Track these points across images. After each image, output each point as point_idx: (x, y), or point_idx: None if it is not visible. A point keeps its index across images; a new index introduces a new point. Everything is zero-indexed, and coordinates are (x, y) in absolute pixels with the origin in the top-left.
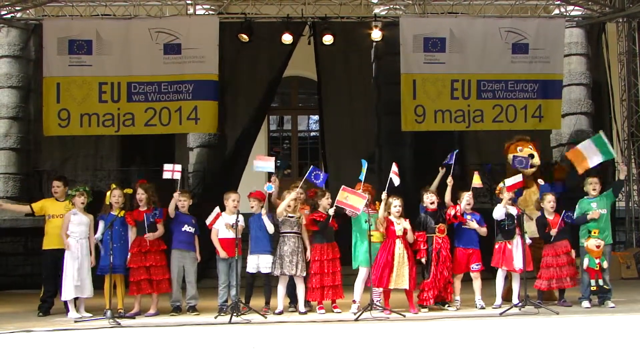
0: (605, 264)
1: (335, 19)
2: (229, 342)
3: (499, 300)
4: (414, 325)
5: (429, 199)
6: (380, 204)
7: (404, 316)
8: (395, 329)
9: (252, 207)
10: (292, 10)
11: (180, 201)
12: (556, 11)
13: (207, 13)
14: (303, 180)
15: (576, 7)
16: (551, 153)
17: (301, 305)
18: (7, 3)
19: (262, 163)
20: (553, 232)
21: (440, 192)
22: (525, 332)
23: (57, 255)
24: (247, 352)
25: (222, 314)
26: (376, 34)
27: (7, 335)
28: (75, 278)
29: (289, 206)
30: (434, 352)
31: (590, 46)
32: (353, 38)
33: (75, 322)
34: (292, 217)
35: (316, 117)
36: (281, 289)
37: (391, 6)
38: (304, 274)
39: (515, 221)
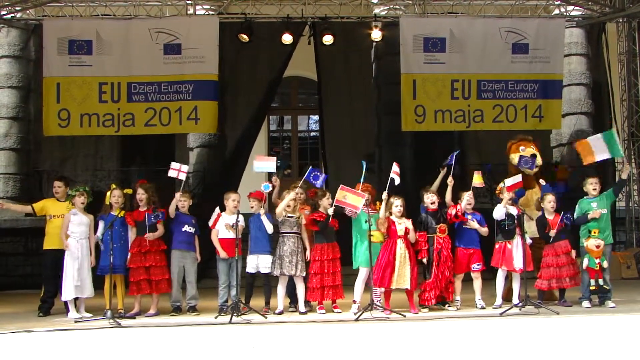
0: (605, 264)
1: (335, 19)
2: (229, 342)
3: (499, 300)
4: (414, 325)
5: (430, 199)
6: (380, 204)
7: (404, 316)
8: (395, 329)
9: (252, 207)
10: (292, 10)
11: (180, 201)
12: (556, 11)
13: (207, 13)
14: (302, 180)
15: (576, 7)
16: (551, 153)
17: (301, 305)
18: (7, 3)
19: (262, 163)
20: (552, 232)
21: (440, 192)
22: (526, 332)
23: (58, 256)
24: (247, 352)
25: (222, 314)
26: (376, 34)
27: (8, 335)
28: (75, 278)
29: (288, 206)
30: (434, 352)
31: (590, 46)
32: (353, 38)
33: (76, 322)
34: (291, 217)
35: (316, 117)
36: (281, 289)
37: (391, 6)
38: (304, 274)
39: (516, 221)
